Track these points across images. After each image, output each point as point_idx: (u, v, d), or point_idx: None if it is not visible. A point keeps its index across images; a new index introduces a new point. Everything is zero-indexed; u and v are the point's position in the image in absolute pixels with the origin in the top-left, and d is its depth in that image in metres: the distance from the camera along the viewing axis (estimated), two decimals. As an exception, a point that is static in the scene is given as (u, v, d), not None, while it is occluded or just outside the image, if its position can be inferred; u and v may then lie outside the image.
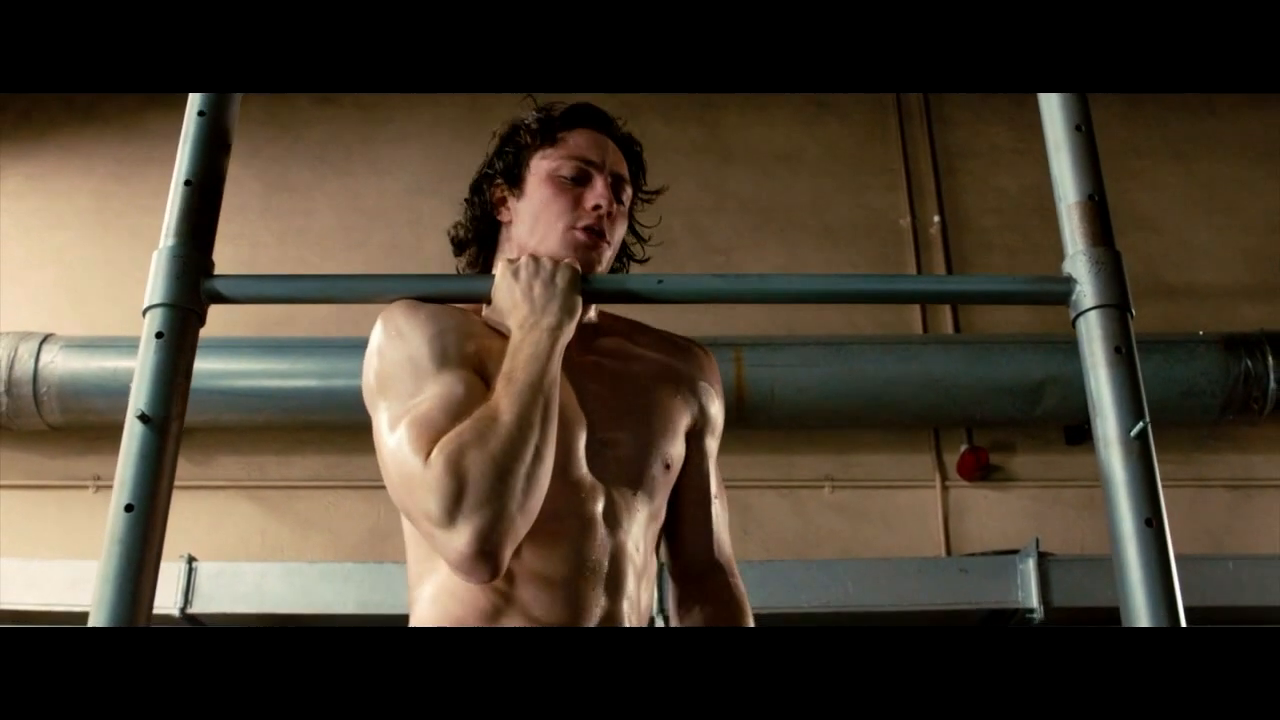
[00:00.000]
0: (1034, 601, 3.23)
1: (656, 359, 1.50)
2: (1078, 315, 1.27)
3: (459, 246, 1.55)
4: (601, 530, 1.33)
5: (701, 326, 3.81)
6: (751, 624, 1.50)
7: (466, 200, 1.53)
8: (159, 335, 1.22)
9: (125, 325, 3.73)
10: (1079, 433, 3.69)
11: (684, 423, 1.47)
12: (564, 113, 1.47)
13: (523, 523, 1.24)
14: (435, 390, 1.28)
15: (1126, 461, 1.22)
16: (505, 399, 1.25)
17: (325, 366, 3.53)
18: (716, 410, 1.55)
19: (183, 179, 1.29)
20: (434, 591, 1.35)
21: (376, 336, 1.35)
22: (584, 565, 1.32)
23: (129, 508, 1.17)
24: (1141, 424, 1.21)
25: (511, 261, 1.31)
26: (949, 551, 3.59)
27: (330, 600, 3.28)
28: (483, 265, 1.52)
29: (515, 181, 1.46)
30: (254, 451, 3.69)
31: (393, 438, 1.29)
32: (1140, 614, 1.13)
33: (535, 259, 1.30)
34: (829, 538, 3.65)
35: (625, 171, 1.49)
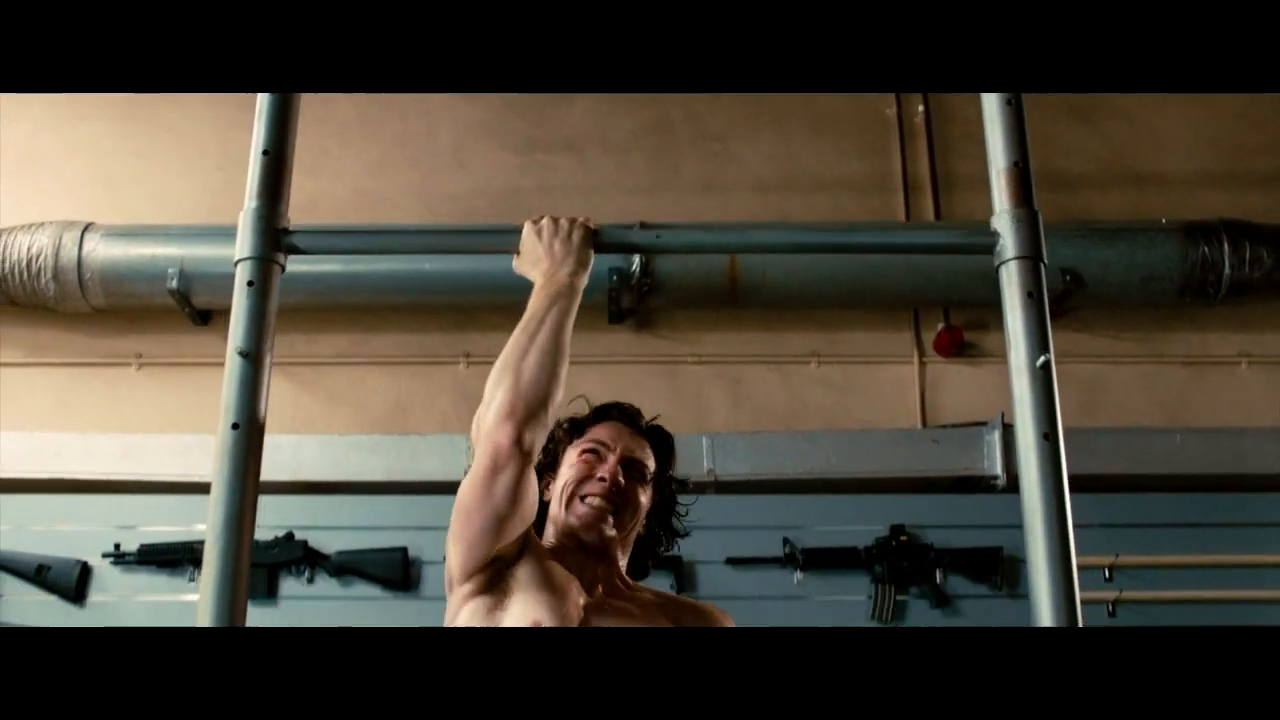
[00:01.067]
0: (998, 470, 3.57)
1: (690, 618, 1.75)
2: (1000, 264, 1.56)
3: None
4: None
5: (701, 213, 4.08)
6: None
7: None
8: (250, 284, 1.50)
9: (157, 214, 4.00)
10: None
11: None
12: (593, 411, 1.80)
13: (534, 399, 1.55)
14: None
15: (1032, 386, 1.51)
16: (516, 330, 1.56)
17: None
18: None
19: (260, 150, 1.55)
20: None
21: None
22: None
23: (235, 426, 1.47)
24: (1045, 356, 1.50)
25: (535, 221, 1.58)
26: (925, 423, 3.92)
27: (359, 469, 3.61)
28: (538, 530, 1.77)
29: (553, 468, 1.80)
30: (284, 331, 3.93)
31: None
32: (1036, 513, 1.43)
33: (555, 219, 1.57)
34: (815, 409, 3.97)
35: (644, 456, 1.77)
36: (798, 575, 3.39)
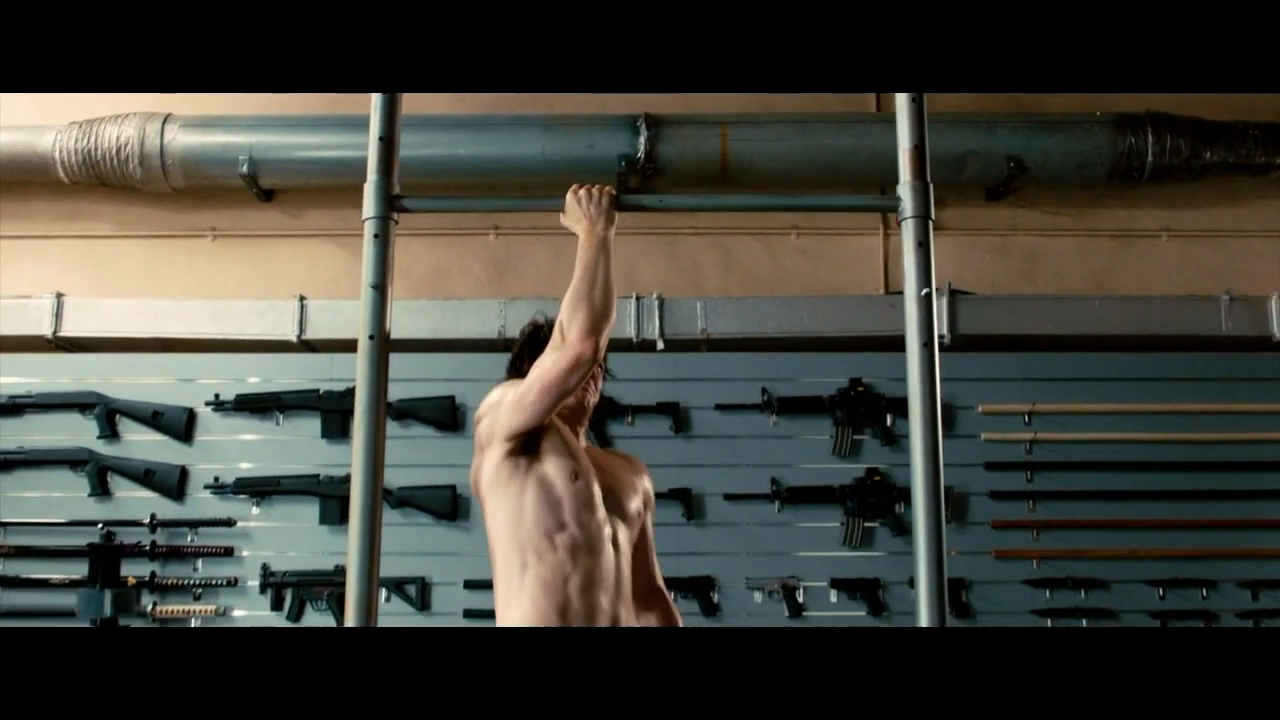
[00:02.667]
0: (944, 329, 4.25)
1: (625, 463, 2.48)
2: (902, 220, 2.20)
3: (509, 369, 2.48)
4: (610, 550, 2.28)
5: (696, 105, 4.64)
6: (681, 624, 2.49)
7: (514, 355, 2.46)
8: (375, 236, 2.15)
9: (228, 106, 4.56)
10: (996, 192, 4.58)
11: (640, 496, 2.46)
12: None
13: (603, 318, 2.18)
14: None
15: (918, 309, 2.15)
16: (576, 270, 2.20)
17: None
18: (651, 493, 2.52)
19: (377, 136, 2.18)
20: (525, 606, 2.20)
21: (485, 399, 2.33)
22: (605, 570, 2.24)
23: (371, 338, 2.13)
24: (926, 290, 2.15)
25: (575, 190, 2.22)
26: (887, 288, 4.58)
27: (409, 329, 4.28)
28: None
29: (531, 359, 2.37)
30: (339, 206, 4.59)
31: (518, 386, 2.26)
32: (916, 404, 2.10)
33: (589, 188, 2.21)
34: (794, 276, 4.63)
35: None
36: (773, 419, 4.11)
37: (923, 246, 2.17)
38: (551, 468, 2.28)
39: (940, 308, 4.27)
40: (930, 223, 2.18)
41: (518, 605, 2.22)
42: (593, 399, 2.45)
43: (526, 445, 2.29)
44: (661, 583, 2.52)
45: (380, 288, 2.14)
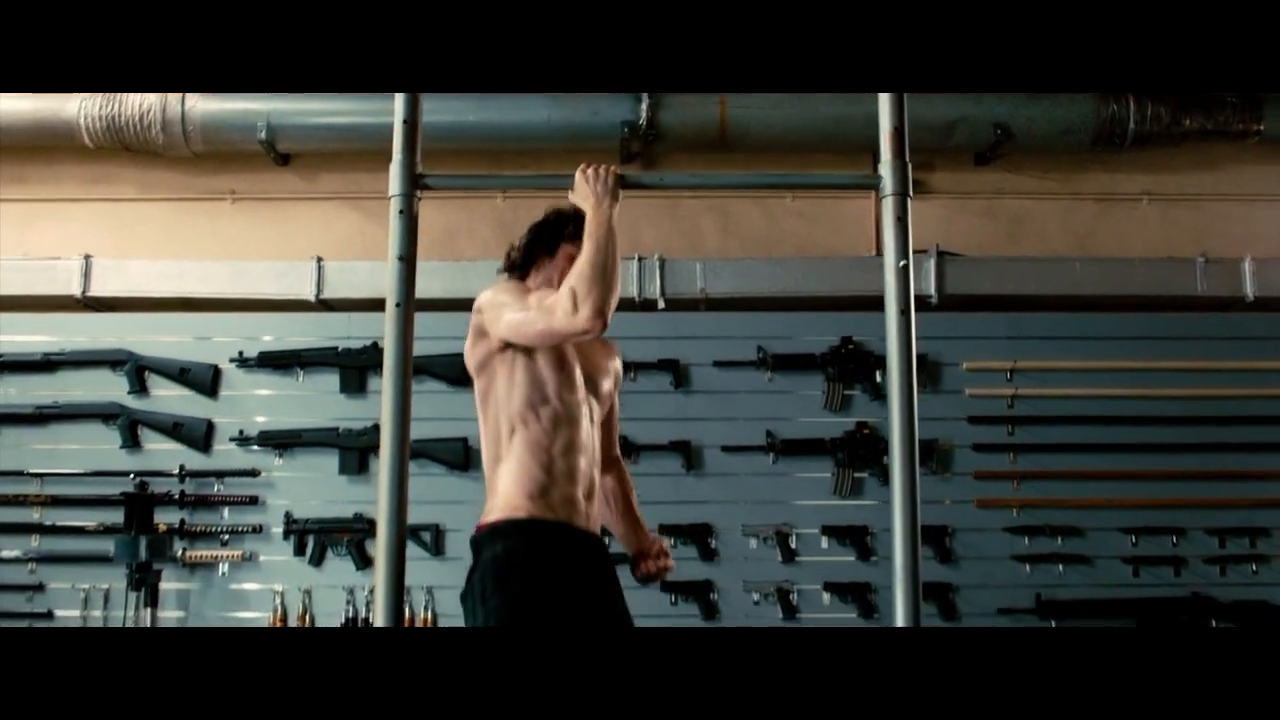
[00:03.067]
0: (932, 290, 4.46)
1: (601, 347, 2.71)
2: (883, 197, 2.39)
3: (510, 267, 2.71)
4: (586, 422, 2.55)
5: (695, 71, 4.80)
6: (633, 491, 2.76)
7: (523, 245, 2.70)
8: (401, 212, 2.36)
9: (241, 71, 4.72)
10: (984, 157, 4.76)
11: (612, 378, 2.73)
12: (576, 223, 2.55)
13: (613, 298, 2.39)
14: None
15: (896, 280, 2.36)
16: (587, 245, 2.41)
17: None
18: (620, 373, 2.78)
19: (401, 119, 2.37)
20: (513, 464, 2.50)
21: (489, 293, 2.54)
22: (582, 438, 2.52)
23: (398, 305, 2.34)
24: (904, 262, 2.36)
25: (583, 169, 2.41)
26: (878, 251, 4.78)
27: (422, 288, 4.40)
28: (521, 278, 2.68)
29: (552, 251, 2.65)
30: (353, 170, 4.77)
31: (522, 311, 2.45)
32: (894, 367, 2.31)
33: (596, 168, 2.41)
34: (790, 238, 4.82)
35: None
36: (768, 375, 4.33)
37: (901, 221, 2.37)
38: (541, 357, 2.52)
39: (928, 269, 4.48)
40: (908, 200, 2.38)
41: (507, 462, 2.51)
42: None
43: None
44: (618, 452, 2.80)
45: (406, 259, 2.35)
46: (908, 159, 2.40)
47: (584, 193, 2.43)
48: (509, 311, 2.51)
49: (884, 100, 2.41)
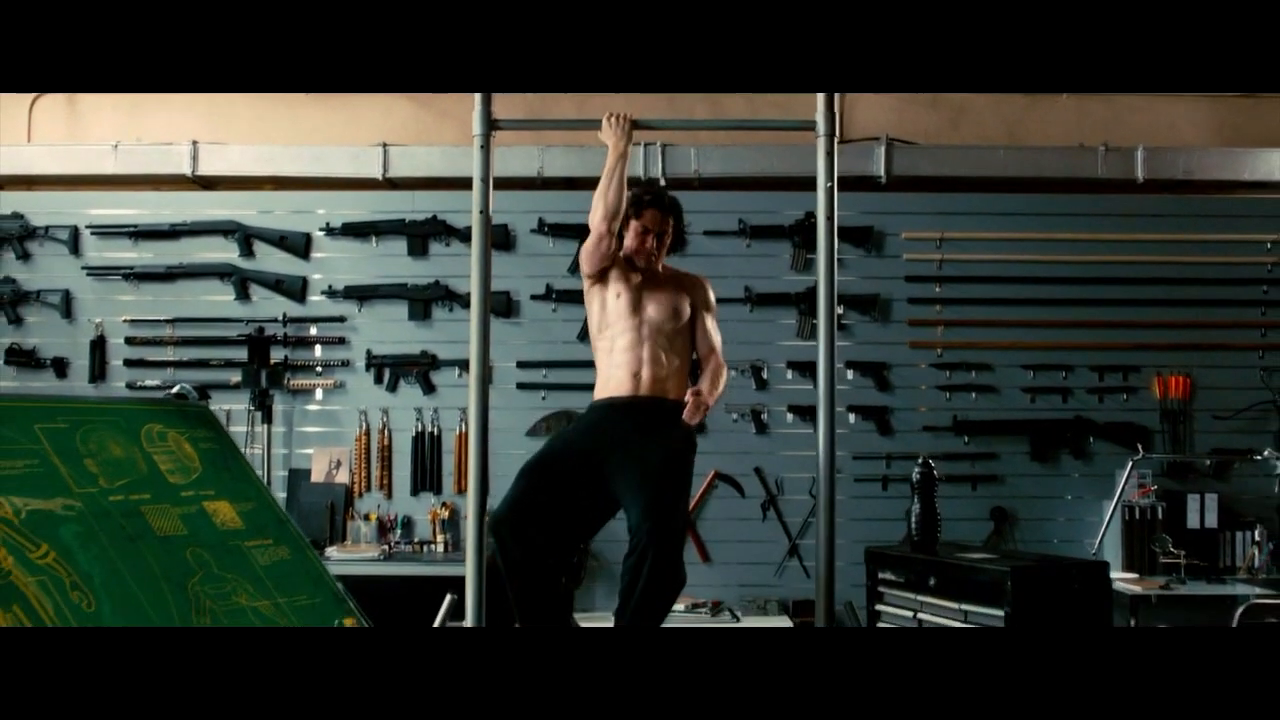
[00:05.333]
0: (881, 172, 5.49)
1: (672, 282, 3.73)
2: (817, 137, 3.44)
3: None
4: (637, 337, 3.59)
5: None
6: (707, 375, 3.71)
7: None
8: (481, 148, 3.41)
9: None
10: (932, 59, 5.72)
11: (686, 305, 3.71)
12: (648, 197, 3.70)
13: (615, 212, 3.51)
14: None
15: (824, 197, 3.42)
16: (604, 174, 3.48)
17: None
18: (706, 299, 3.80)
19: (481, 82, 3.40)
20: (598, 366, 3.66)
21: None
22: (632, 348, 3.58)
23: (481, 211, 3.42)
24: (830, 184, 3.42)
25: (607, 117, 3.45)
26: (842, 138, 5.78)
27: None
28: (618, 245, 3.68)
29: (626, 223, 3.65)
30: (405, 69, 5.74)
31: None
32: (821, 259, 3.40)
33: (616, 117, 3.45)
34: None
35: (666, 226, 3.70)
36: (747, 242, 5.42)
37: (829, 156, 3.43)
38: (608, 289, 3.67)
39: (879, 154, 5.50)
40: (835, 140, 3.43)
41: (597, 365, 3.69)
42: (638, 256, 3.69)
43: (599, 277, 3.68)
44: (707, 351, 3.77)
45: (485, 180, 3.42)
46: (835, 110, 3.43)
47: (607, 133, 3.49)
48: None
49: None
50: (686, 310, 3.73)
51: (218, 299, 5.40)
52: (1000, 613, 3.33)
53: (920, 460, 4.10)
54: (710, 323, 3.81)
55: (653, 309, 3.66)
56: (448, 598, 3.18)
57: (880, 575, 3.94)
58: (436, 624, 3.13)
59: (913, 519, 3.93)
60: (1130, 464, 5.05)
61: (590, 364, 5.35)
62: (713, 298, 3.86)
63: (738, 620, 4.88)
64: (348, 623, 2.49)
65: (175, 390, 2.80)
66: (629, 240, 3.68)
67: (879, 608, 3.95)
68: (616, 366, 3.60)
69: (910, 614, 3.76)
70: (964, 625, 3.48)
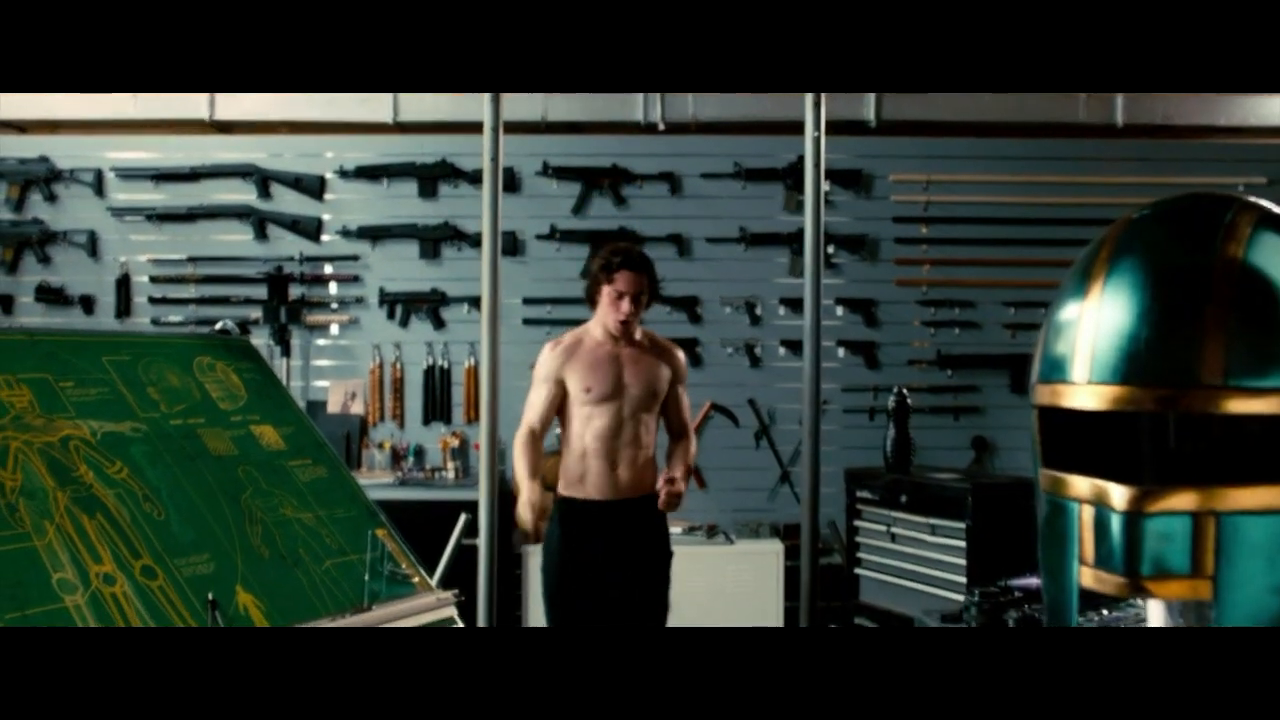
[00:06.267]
0: (871, 116, 5.72)
1: (656, 352, 3.60)
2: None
3: (586, 297, 3.63)
4: (624, 414, 3.48)
5: None
6: (691, 448, 3.66)
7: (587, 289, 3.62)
8: (492, 99, 3.65)
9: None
10: (922, 6, 5.92)
11: (665, 378, 3.58)
12: (616, 261, 3.48)
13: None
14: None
15: (811, 145, 3.68)
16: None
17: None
18: (680, 371, 3.65)
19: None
20: (567, 434, 3.57)
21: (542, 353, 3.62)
22: (615, 429, 3.48)
23: (492, 159, 3.68)
24: (817, 133, 3.67)
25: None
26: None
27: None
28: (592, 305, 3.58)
29: (596, 292, 3.52)
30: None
31: (532, 393, 3.63)
32: (809, 180, 3.67)
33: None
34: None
35: (642, 286, 3.48)
36: (742, 184, 5.67)
37: (816, 108, 3.69)
38: (575, 380, 3.54)
39: (869, 100, 5.73)
40: (822, 94, 3.68)
41: (564, 439, 3.62)
42: (614, 325, 3.52)
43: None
44: (684, 424, 3.71)
45: (496, 130, 3.69)
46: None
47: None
48: (531, 391, 3.63)
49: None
50: (664, 385, 3.61)
51: (236, 239, 5.66)
52: (962, 525, 3.67)
53: (895, 390, 4.40)
54: (684, 396, 3.71)
55: (633, 386, 3.55)
56: (462, 516, 3.48)
57: (858, 494, 4.28)
58: (451, 542, 3.43)
59: (888, 443, 4.23)
60: (1103, 396, 5.33)
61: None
62: (685, 366, 3.75)
63: (732, 542, 5.21)
64: (379, 533, 2.80)
65: (219, 326, 3.08)
66: (603, 308, 3.52)
67: (856, 523, 4.28)
68: (591, 456, 3.52)
69: (884, 528, 4.09)
70: (931, 538, 3.83)
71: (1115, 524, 0.66)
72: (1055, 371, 0.73)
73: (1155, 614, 0.68)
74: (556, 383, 3.56)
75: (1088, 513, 0.68)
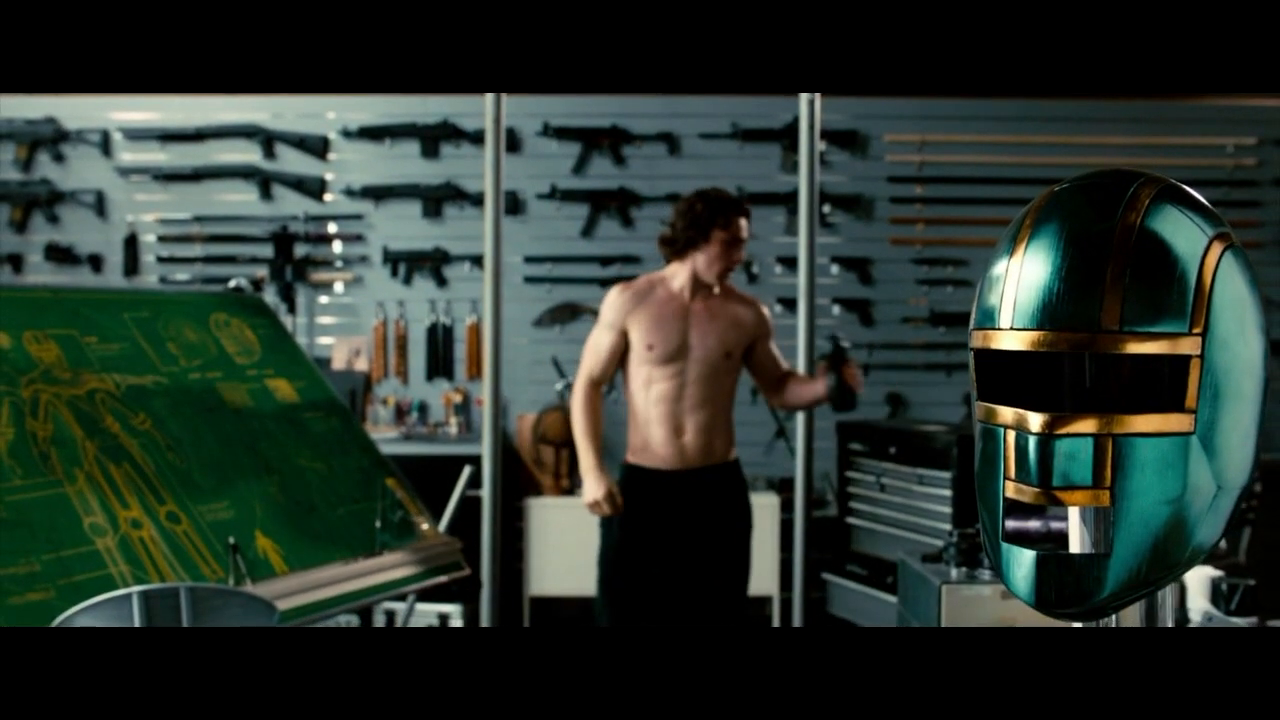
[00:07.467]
0: (868, 77, 5.80)
1: (734, 306, 3.39)
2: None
3: (665, 243, 3.36)
4: (689, 376, 3.25)
5: None
6: (791, 381, 3.47)
7: (675, 225, 3.32)
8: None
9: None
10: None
11: (747, 333, 3.37)
12: (730, 204, 3.31)
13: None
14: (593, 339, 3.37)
15: (806, 107, 3.78)
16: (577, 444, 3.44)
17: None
18: (764, 325, 3.43)
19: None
20: (629, 393, 3.35)
21: (607, 298, 3.40)
22: (680, 391, 3.26)
23: (495, 122, 3.77)
24: (810, 97, 3.77)
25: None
26: (830, 41, 6.08)
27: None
28: (678, 256, 3.35)
29: (705, 234, 3.26)
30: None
31: (589, 340, 3.41)
32: (803, 175, 3.77)
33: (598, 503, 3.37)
34: None
35: (750, 232, 3.36)
36: (740, 144, 5.75)
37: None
38: (640, 335, 3.34)
39: (866, 61, 5.80)
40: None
41: (630, 402, 3.40)
42: (721, 272, 3.36)
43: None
44: (785, 371, 3.56)
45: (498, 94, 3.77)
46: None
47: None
48: (592, 335, 3.42)
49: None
50: (742, 343, 3.42)
51: (242, 198, 5.75)
52: (948, 474, 3.81)
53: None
54: (775, 350, 3.55)
55: (698, 348, 3.33)
56: (465, 469, 3.60)
57: (849, 446, 4.41)
58: (456, 493, 3.54)
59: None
60: (1091, 352, 5.46)
61: (592, 259, 5.77)
62: (770, 320, 3.56)
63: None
64: (389, 482, 2.93)
65: (233, 284, 3.19)
66: (711, 256, 3.31)
67: (848, 474, 4.42)
68: (654, 422, 3.32)
69: (875, 479, 4.23)
70: (919, 488, 3.98)
71: (1032, 445, 0.80)
72: (986, 319, 0.86)
73: (1074, 522, 0.81)
74: (620, 332, 3.35)
75: (1011, 436, 0.82)
